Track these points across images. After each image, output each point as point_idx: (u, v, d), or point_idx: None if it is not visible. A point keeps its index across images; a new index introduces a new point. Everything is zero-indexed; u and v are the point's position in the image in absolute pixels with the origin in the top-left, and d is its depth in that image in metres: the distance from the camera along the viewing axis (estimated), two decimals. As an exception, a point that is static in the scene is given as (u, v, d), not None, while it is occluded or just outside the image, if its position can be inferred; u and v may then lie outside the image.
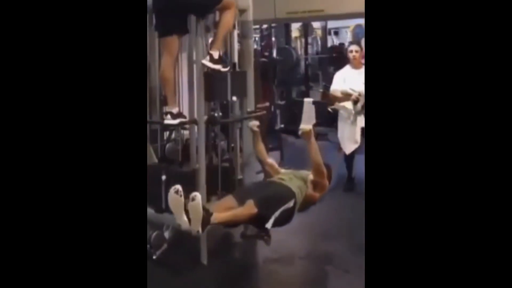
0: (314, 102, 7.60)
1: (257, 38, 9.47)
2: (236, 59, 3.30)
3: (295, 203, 2.91)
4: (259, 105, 5.04)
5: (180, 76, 3.46)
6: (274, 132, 6.53)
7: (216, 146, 3.42)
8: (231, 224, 2.82)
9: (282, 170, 3.33)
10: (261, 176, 4.35)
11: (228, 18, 2.98)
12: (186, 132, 3.45)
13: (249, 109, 3.42)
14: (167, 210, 3.15)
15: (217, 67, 2.94)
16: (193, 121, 3.13)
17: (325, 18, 7.51)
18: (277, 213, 2.77)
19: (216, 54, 2.92)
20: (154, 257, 3.10)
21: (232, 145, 3.46)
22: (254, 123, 3.34)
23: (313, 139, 3.08)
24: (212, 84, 3.03)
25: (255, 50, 7.84)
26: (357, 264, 2.93)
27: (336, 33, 12.59)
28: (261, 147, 3.40)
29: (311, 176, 3.14)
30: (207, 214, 2.50)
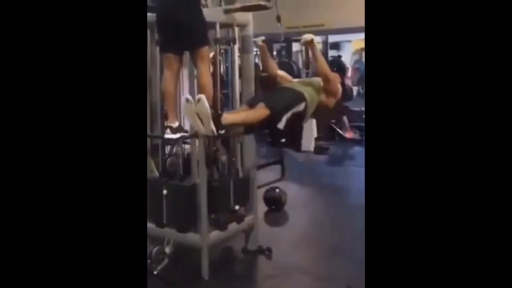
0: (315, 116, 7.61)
1: (257, 53, 9.51)
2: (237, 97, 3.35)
3: (306, 107, 2.99)
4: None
5: (181, 91, 3.47)
6: (275, 146, 6.52)
7: (217, 160, 3.42)
8: (244, 125, 2.95)
9: (295, 80, 3.41)
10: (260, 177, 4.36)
11: (205, 79, 2.92)
12: (187, 146, 3.45)
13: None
14: (168, 224, 3.16)
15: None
16: (194, 135, 3.13)
17: (326, 32, 7.57)
18: (288, 114, 2.88)
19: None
20: (155, 272, 3.08)
21: (233, 159, 3.45)
22: (260, 38, 3.38)
23: (316, 48, 3.14)
24: (215, 196, 3.07)
25: (256, 64, 7.88)
26: (360, 278, 2.91)
27: (337, 47, 12.66)
28: (270, 60, 3.45)
29: (322, 83, 3.18)
30: (216, 114, 2.66)
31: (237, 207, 3.22)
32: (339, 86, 3.25)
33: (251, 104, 2.95)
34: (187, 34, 2.87)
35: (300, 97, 3.01)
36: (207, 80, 2.94)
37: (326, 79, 3.14)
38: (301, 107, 2.97)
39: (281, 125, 2.85)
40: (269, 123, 2.87)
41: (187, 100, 2.65)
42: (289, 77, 3.45)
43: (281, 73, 3.45)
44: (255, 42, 3.40)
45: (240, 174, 3.39)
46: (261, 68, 3.55)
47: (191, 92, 3.19)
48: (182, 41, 2.90)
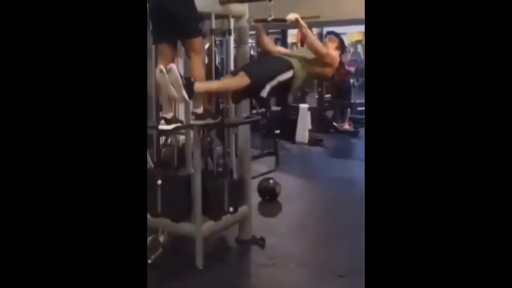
0: (309, 108, 7.65)
1: (253, 44, 9.49)
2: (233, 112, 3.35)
3: (293, 76, 2.99)
4: (254, 111, 5.07)
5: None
6: (270, 137, 6.54)
7: (212, 151, 3.44)
8: (221, 91, 3.03)
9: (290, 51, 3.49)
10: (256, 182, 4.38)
11: (196, 70, 2.91)
12: (182, 137, 3.47)
13: (244, 114, 3.44)
14: (163, 214, 3.18)
15: (206, 122, 2.98)
16: (189, 126, 3.14)
17: (321, 24, 7.55)
18: (273, 82, 2.90)
19: (200, 110, 2.94)
20: (149, 261, 3.10)
21: (228, 150, 3.48)
22: (251, 18, 3.37)
23: (303, 26, 3.03)
24: (208, 196, 3.04)
25: (251, 56, 7.87)
26: (353, 268, 2.95)
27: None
28: (267, 39, 3.45)
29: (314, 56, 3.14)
30: (187, 81, 2.74)
31: (231, 209, 3.24)
32: (334, 55, 3.18)
33: (235, 73, 3.01)
34: (179, 25, 2.87)
35: (287, 65, 3.00)
36: (198, 71, 2.93)
37: (319, 55, 3.09)
38: (287, 74, 2.97)
39: (264, 93, 2.89)
40: (251, 92, 2.92)
41: (160, 70, 2.76)
42: (286, 50, 3.45)
43: (278, 49, 3.44)
44: (249, 23, 3.36)
45: (235, 176, 3.40)
46: (258, 48, 3.58)
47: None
48: (174, 31, 2.91)
